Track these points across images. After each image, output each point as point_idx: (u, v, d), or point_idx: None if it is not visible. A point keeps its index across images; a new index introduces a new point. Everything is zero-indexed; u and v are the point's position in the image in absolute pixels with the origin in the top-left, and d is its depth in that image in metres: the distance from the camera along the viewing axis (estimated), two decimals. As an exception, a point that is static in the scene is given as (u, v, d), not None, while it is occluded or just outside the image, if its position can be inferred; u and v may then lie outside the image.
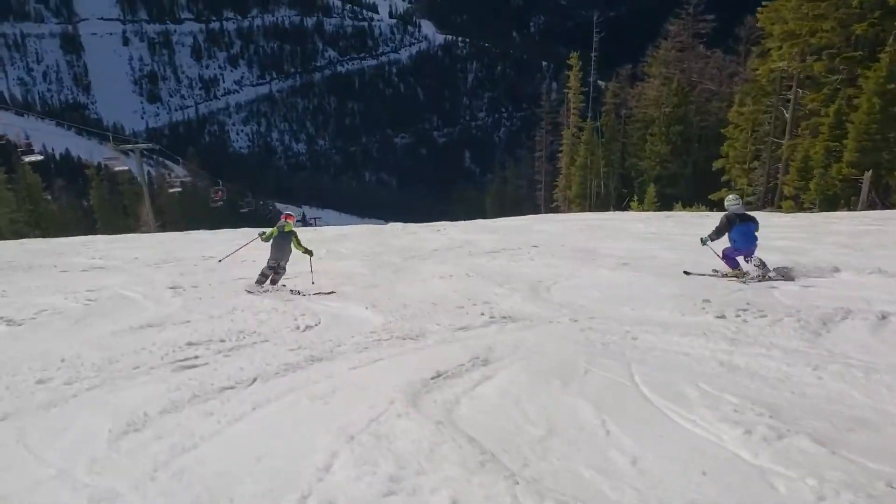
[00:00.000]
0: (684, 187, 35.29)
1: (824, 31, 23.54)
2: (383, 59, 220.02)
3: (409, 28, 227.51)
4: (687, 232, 16.75)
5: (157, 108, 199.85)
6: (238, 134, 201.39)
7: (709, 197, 31.44)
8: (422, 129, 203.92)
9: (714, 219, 13.46)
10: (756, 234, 9.62)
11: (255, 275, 11.02)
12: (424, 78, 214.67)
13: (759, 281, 9.19)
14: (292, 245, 11.20)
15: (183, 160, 74.71)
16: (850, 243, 12.87)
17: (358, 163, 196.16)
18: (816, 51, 24.97)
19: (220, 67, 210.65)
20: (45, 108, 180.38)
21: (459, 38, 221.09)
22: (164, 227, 61.58)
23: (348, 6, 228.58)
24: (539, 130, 52.35)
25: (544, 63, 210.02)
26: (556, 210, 44.05)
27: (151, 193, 64.29)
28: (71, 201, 69.98)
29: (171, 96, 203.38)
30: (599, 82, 49.36)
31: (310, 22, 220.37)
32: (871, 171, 21.22)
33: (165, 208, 66.70)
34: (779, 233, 14.97)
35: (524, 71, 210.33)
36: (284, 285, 11.03)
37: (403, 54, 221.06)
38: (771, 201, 28.73)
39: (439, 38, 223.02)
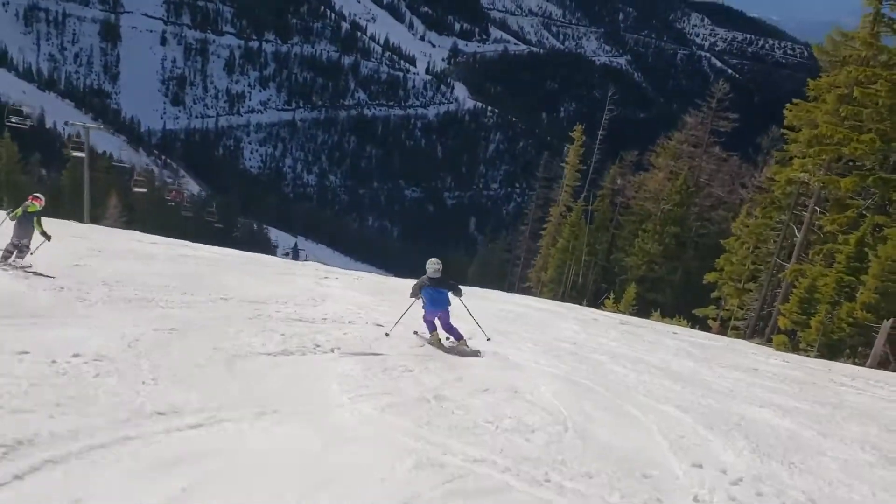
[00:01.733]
0: (669, 295, 31.31)
1: (860, 142, 19.49)
2: (410, 111, 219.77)
3: (442, 87, 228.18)
4: (619, 347, 13.41)
5: (179, 111, 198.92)
6: (252, 153, 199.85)
7: (693, 312, 27.29)
8: (433, 187, 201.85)
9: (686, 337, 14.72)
10: (447, 300, 10.16)
11: None
12: (447, 138, 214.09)
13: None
14: (34, 226, 11.76)
15: (165, 160, 71.41)
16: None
17: (364, 206, 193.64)
18: (846, 165, 21.15)
19: (249, 85, 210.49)
20: (68, 87, 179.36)
21: (489, 107, 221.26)
22: (129, 224, 57.60)
23: (388, 54, 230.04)
24: (529, 204, 48.49)
25: (566, 147, 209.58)
26: (527, 290, 39.80)
27: (122, 188, 60.58)
28: (48, 177, 66.36)
29: (194, 103, 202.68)
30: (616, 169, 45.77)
31: (347, 61, 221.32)
32: (891, 320, 16.86)
33: (137, 205, 62.28)
34: (768, 385, 11.01)
35: (545, 151, 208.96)
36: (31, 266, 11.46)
37: (431, 111, 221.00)
38: (761, 332, 24.46)
39: (469, 103, 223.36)
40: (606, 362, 10.91)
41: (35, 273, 10.90)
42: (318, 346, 8.51)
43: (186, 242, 23.02)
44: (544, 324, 15.31)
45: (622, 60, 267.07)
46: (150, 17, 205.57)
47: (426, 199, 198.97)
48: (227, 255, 20.50)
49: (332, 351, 8.39)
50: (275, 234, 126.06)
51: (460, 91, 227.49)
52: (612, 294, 31.33)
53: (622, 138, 48.88)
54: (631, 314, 26.73)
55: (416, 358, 8.89)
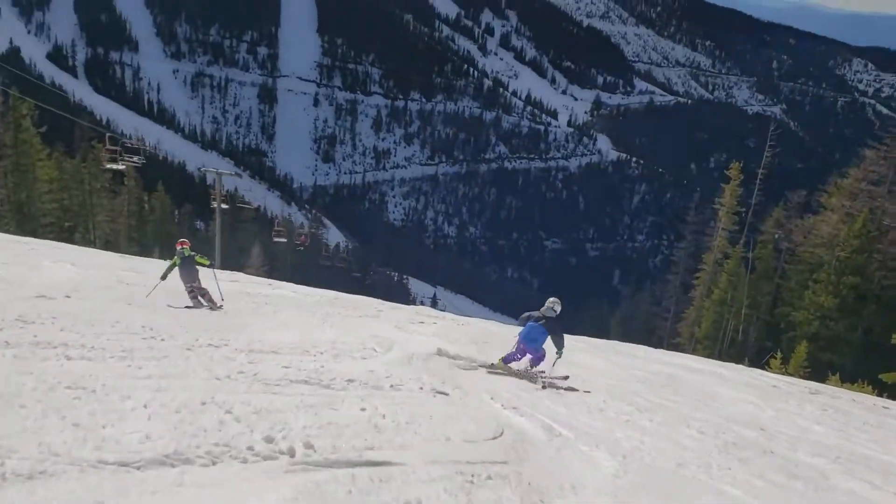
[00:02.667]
0: (848, 356, 26.57)
1: None
2: (552, 163, 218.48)
3: (585, 139, 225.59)
4: (829, 435, 9.03)
5: (329, 167, 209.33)
6: (396, 206, 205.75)
7: (880, 377, 22.92)
8: (575, 238, 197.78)
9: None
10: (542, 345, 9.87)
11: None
12: (589, 190, 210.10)
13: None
14: (196, 264, 12.49)
15: (315, 213, 73.79)
16: None
17: (504, 257, 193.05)
18: None
19: (394, 142, 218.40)
20: (229, 147, 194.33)
21: (633, 158, 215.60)
22: (270, 272, 59.52)
23: (529, 108, 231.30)
24: (678, 250, 44.19)
25: (721, 186, 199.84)
26: (677, 347, 35.88)
27: (265, 236, 62.64)
28: (202, 228, 70.62)
29: (343, 160, 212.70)
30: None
31: (489, 116, 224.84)
32: None
33: (279, 255, 64.61)
34: None
35: (697, 194, 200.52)
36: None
37: (573, 163, 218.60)
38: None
39: (613, 155, 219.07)
40: (830, 470, 6.93)
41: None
42: (273, 441, 4.75)
43: (283, 284, 22.07)
44: (707, 392, 11.64)
45: (776, 109, 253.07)
46: (304, 80, 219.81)
47: (567, 251, 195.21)
48: (313, 295, 18.89)
49: (292, 455, 4.62)
50: (414, 284, 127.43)
51: (603, 143, 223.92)
52: (779, 353, 26.87)
53: (782, 185, 44.09)
54: (801, 377, 22.85)
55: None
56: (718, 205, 36.20)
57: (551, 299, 10.01)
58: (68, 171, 42.78)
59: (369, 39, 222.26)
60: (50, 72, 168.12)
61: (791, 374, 22.62)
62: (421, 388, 7.46)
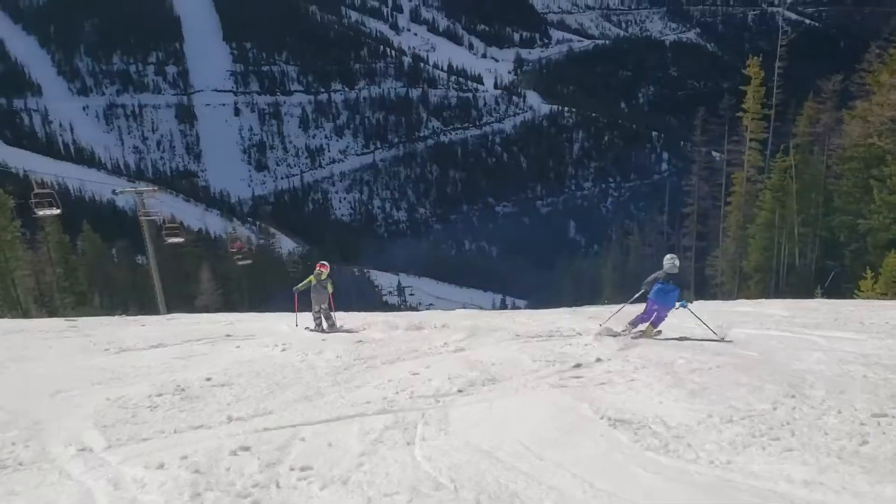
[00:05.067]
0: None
1: None
2: (487, 128, 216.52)
3: (514, 98, 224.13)
4: None
5: (264, 175, 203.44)
6: (341, 202, 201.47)
7: None
8: (524, 199, 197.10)
9: None
10: (676, 299, 10.12)
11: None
12: (528, 147, 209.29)
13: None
14: (328, 289, 13.69)
15: (260, 225, 69.69)
16: None
17: (458, 231, 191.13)
18: None
19: (326, 137, 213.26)
20: (156, 174, 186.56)
21: (566, 108, 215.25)
22: (225, 295, 55.78)
23: (454, 78, 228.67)
24: (690, 177, 38.48)
25: (654, 133, 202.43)
26: (718, 289, 32.31)
27: (213, 258, 58.28)
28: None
29: (277, 165, 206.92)
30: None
31: (415, 93, 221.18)
32: None
33: (231, 275, 59.26)
34: None
35: (633, 141, 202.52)
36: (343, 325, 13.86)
37: (507, 124, 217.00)
38: None
39: (545, 108, 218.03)
40: None
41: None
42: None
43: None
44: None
45: (691, 35, 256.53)
46: (220, 91, 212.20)
47: (519, 213, 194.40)
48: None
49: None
50: (376, 275, 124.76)
51: (533, 99, 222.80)
52: (868, 272, 22.01)
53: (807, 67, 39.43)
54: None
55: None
56: (742, 111, 31.56)
57: (669, 255, 10.40)
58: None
59: (278, 38, 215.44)
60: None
61: (883, 295, 20.18)
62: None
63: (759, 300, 19.48)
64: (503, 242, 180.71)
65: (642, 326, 10.49)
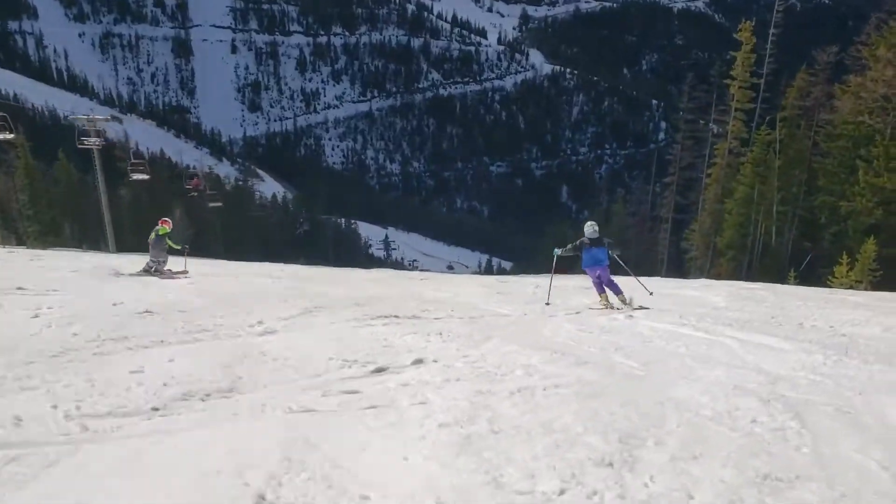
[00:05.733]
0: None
1: None
2: (487, 85, 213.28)
3: (517, 56, 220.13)
4: None
5: (257, 116, 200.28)
6: (333, 150, 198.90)
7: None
8: (519, 160, 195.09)
9: None
10: (606, 257, 10.30)
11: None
12: (527, 107, 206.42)
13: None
14: (167, 244, 14.71)
15: (248, 166, 67.79)
16: None
17: (451, 188, 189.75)
18: None
19: (322, 81, 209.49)
20: (148, 108, 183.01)
21: (567, 70, 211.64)
22: (198, 236, 53.86)
23: (457, 30, 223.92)
24: (674, 146, 36.73)
25: (654, 101, 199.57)
26: (692, 264, 31.27)
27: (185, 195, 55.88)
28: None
29: (271, 107, 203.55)
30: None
31: (416, 43, 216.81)
32: None
33: (205, 216, 56.84)
34: None
35: (632, 108, 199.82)
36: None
37: (508, 82, 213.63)
38: None
39: (547, 68, 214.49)
40: None
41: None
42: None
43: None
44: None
45: (700, 3, 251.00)
46: (219, 27, 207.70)
47: (513, 174, 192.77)
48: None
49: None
50: (364, 227, 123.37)
51: (536, 58, 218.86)
52: (844, 257, 20.95)
53: (802, 37, 39.55)
54: (871, 284, 19.26)
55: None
56: (729, 77, 29.98)
57: (589, 222, 10.58)
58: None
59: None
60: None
61: (856, 281, 19.57)
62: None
63: (710, 281, 18.35)
64: (495, 203, 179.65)
65: (613, 299, 10.37)
